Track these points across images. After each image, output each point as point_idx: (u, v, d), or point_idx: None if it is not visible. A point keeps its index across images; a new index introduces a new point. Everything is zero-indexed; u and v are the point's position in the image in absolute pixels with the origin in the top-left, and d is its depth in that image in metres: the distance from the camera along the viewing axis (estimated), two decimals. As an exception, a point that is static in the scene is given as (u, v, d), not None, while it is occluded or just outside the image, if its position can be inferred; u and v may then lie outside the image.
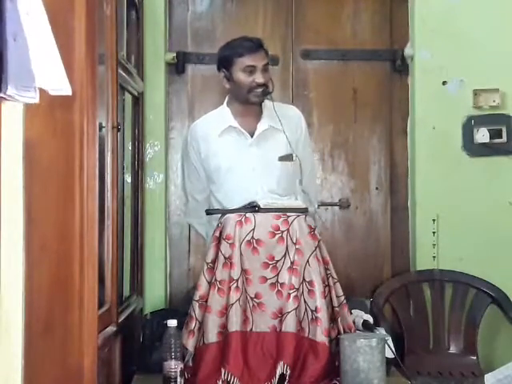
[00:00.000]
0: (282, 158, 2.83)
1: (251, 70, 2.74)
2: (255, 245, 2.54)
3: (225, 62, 2.79)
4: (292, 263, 2.53)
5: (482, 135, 3.62)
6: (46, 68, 1.22)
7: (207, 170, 2.88)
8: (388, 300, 3.61)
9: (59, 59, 1.27)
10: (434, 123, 3.69)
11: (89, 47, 1.87)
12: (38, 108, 1.34)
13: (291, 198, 2.84)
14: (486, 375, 2.31)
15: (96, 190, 1.99)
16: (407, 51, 3.76)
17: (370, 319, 2.74)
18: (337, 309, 2.58)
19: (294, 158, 2.84)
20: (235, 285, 2.51)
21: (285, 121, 2.81)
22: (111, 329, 2.48)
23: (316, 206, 3.15)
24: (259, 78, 2.74)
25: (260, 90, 2.75)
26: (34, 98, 1.20)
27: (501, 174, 3.68)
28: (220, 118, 2.86)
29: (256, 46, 2.77)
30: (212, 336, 2.51)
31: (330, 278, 2.61)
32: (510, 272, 3.61)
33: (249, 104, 2.80)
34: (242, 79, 2.76)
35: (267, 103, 2.84)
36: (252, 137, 2.81)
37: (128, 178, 3.28)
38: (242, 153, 2.81)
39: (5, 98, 1.14)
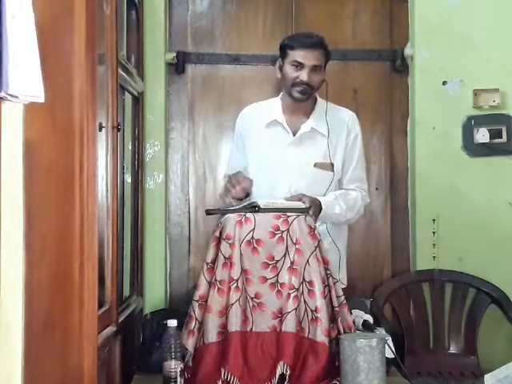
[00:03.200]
0: (317, 165, 2.85)
1: (298, 65, 2.76)
2: (255, 245, 2.54)
3: (281, 51, 2.83)
4: (292, 263, 2.52)
5: (482, 135, 3.62)
6: (21, 74, 1.20)
7: (247, 157, 2.93)
8: (388, 300, 3.61)
9: (38, 65, 1.25)
10: (434, 123, 3.69)
11: (89, 47, 1.87)
12: (38, 108, 1.34)
13: None
14: (485, 375, 2.31)
15: (96, 190, 1.99)
16: (407, 51, 3.75)
17: (370, 319, 2.73)
18: (337, 309, 2.57)
19: (333, 170, 2.85)
20: (235, 285, 2.51)
21: (333, 125, 2.84)
22: (111, 329, 2.48)
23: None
24: (303, 76, 2.75)
25: (302, 87, 2.77)
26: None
27: (501, 174, 3.68)
28: (269, 110, 2.90)
29: (311, 43, 2.77)
30: (212, 336, 2.50)
31: (330, 278, 2.60)
32: (510, 272, 3.61)
33: (294, 99, 2.82)
34: (288, 72, 2.79)
35: (321, 104, 2.88)
36: (294, 136, 2.85)
37: (128, 178, 3.28)
38: (281, 150, 2.85)
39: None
